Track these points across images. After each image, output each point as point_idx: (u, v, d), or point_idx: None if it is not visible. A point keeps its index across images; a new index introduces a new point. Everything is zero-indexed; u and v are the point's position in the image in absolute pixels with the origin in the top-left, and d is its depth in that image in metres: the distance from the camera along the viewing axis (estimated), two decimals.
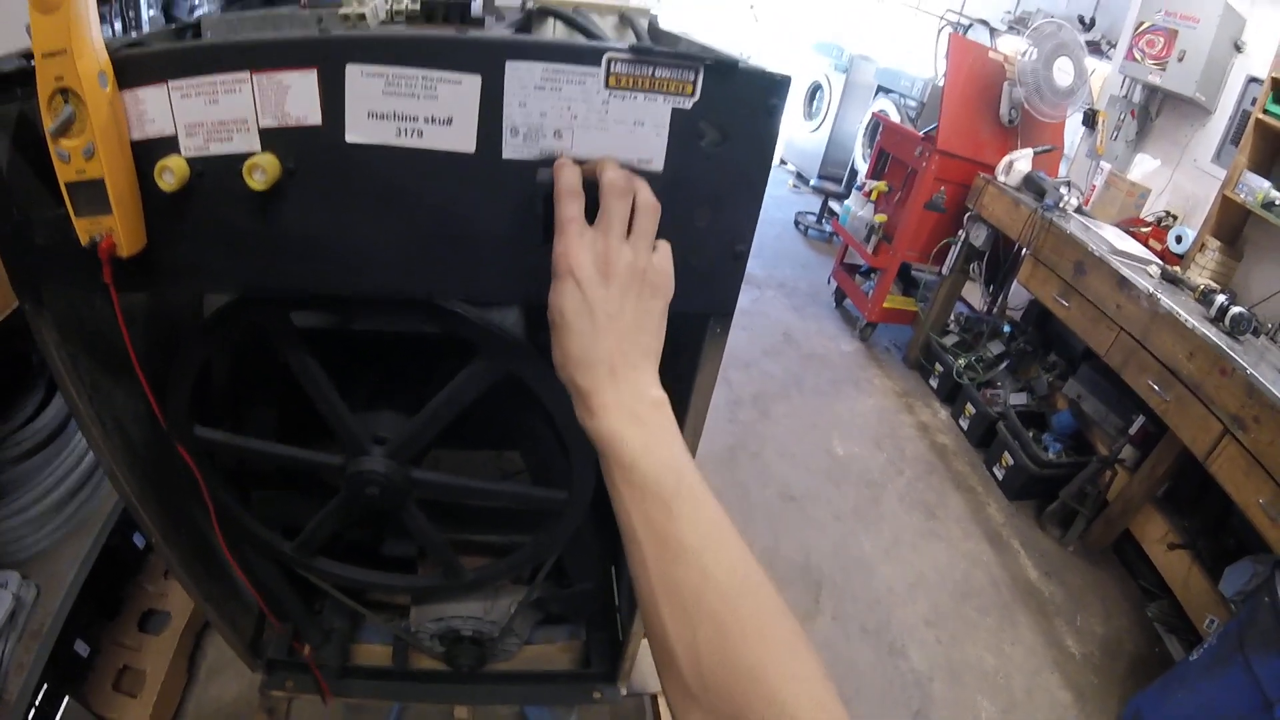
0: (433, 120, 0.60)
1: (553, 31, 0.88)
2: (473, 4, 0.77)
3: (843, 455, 3.35)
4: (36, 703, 1.42)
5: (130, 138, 0.61)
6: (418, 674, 1.40)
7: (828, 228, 5.95)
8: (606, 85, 0.60)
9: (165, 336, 0.97)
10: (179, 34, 0.86)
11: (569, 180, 0.60)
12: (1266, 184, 2.79)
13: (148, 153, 0.61)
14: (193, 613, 1.89)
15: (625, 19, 1.00)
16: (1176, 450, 2.58)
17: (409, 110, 0.60)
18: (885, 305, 4.21)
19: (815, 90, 6.77)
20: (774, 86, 0.62)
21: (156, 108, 0.61)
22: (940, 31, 4.10)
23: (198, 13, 2.30)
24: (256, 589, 1.18)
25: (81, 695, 1.62)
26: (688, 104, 0.62)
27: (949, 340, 4.01)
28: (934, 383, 4.02)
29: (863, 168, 5.23)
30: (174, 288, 0.70)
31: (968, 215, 3.71)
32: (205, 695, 1.86)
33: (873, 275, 4.40)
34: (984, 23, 5.10)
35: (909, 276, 4.38)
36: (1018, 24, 4.83)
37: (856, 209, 4.32)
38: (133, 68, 0.59)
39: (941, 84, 3.81)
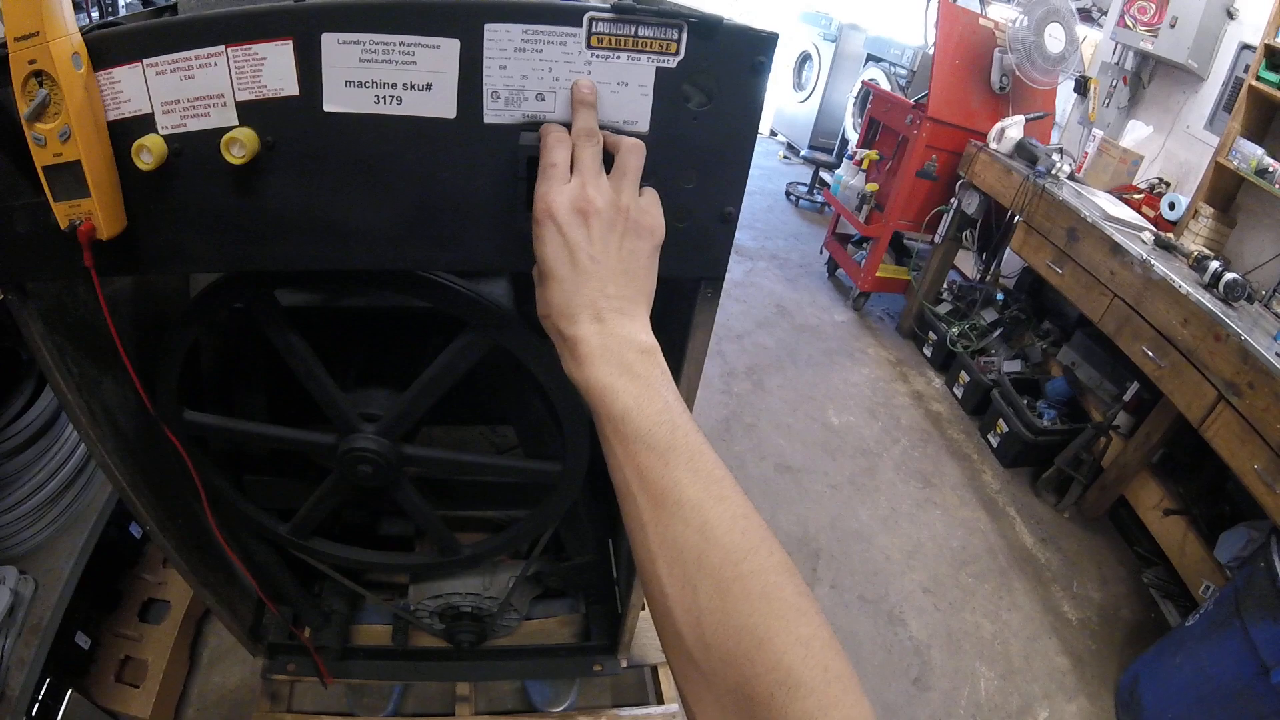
0: (412, 87, 0.59)
1: None
2: None
3: (838, 425, 3.36)
4: (40, 697, 1.42)
5: (106, 118, 0.60)
6: (418, 653, 1.41)
7: (819, 198, 5.93)
8: (588, 46, 0.59)
9: (152, 322, 0.97)
10: (156, 15, 0.84)
11: (556, 129, 0.59)
12: (1260, 150, 2.78)
13: (124, 133, 0.60)
14: (192, 601, 1.89)
15: None
16: (1171, 417, 2.58)
17: (387, 77, 0.59)
18: (878, 274, 4.20)
19: (804, 60, 6.72)
20: (760, 43, 0.61)
21: (132, 87, 0.60)
22: None
23: None
24: (253, 573, 1.18)
25: (84, 688, 1.62)
26: (672, 63, 0.61)
27: (942, 308, 4.00)
28: (928, 351, 4.02)
29: (853, 137, 5.19)
30: (156, 270, 0.69)
31: (959, 183, 3.70)
32: (208, 682, 1.87)
33: (865, 245, 4.38)
34: None
35: (901, 245, 4.35)
36: None
37: (848, 178, 4.29)
38: (106, 48, 0.58)
39: (932, 52, 3.76)
